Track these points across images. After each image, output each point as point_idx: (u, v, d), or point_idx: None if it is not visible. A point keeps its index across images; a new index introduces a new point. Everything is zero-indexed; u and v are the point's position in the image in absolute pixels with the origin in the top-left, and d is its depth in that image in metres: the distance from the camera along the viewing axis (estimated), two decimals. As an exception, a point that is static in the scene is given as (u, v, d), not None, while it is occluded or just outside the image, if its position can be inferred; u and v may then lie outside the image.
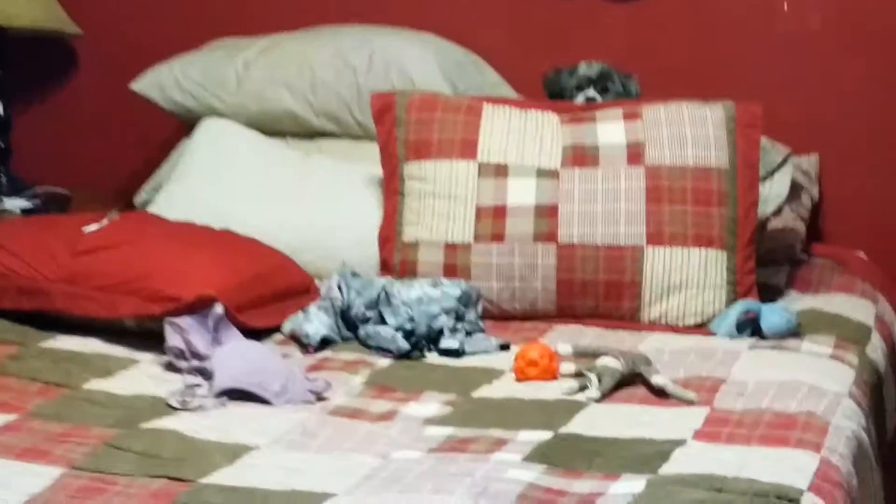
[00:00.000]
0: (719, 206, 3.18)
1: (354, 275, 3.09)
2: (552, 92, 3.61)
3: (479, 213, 3.20)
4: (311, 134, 3.79)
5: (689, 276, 3.15)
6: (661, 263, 3.15)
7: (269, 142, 3.73)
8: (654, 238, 3.15)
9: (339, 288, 3.04)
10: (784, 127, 3.64)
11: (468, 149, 3.26)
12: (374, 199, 3.43)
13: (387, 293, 3.03)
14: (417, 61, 3.69)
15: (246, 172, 3.61)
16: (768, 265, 3.49)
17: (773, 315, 3.07)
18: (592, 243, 3.15)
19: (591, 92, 3.54)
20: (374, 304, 3.03)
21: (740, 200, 3.20)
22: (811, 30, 3.79)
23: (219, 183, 3.59)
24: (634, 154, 3.22)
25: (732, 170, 3.21)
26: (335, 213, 3.48)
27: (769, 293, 3.33)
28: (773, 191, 3.56)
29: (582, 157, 3.23)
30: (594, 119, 3.30)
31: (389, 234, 3.29)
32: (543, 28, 3.96)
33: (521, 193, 3.20)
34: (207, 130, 3.73)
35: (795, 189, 3.69)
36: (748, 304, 3.11)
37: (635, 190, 3.18)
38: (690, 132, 3.23)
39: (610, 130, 3.27)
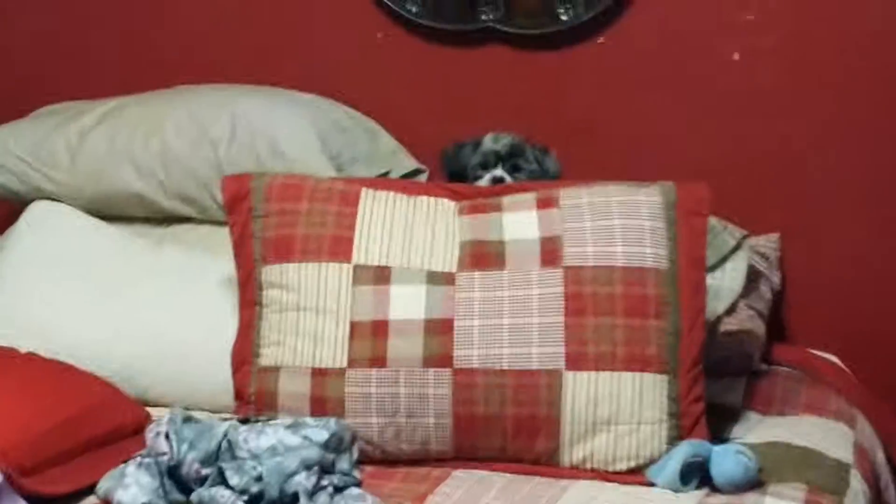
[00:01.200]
0: (657, 318, 2.52)
1: (188, 419, 2.40)
2: (452, 171, 2.95)
3: (355, 329, 2.53)
4: (163, 219, 3.11)
5: (620, 408, 2.48)
6: (584, 393, 2.48)
7: (109, 230, 3.06)
8: (576, 360, 2.49)
9: (168, 437, 2.35)
10: (736, 203, 3.00)
11: (341, 248, 2.59)
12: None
13: (230, 443, 2.35)
14: (290, 130, 3.03)
15: (77, 269, 2.96)
16: (720, 378, 2.83)
17: (727, 460, 2.41)
18: (497, 368, 2.49)
19: (500, 171, 2.90)
20: (213, 458, 2.34)
21: (684, 309, 2.54)
22: (763, 88, 3.12)
23: (42, 284, 2.92)
24: (550, 252, 2.55)
25: (673, 270, 2.56)
26: (187, 324, 2.83)
27: (720, 417, 2.68)
28: (726, 283, 2.93)
29: (484, 256, 2.56)
30: (500, 207, 2.64)
31: (244, 355, 2.62)
32: (452, 86, 3.29)
33: (408, 304, 2.54)
34: (32, 217, 3.08)
35: (753, 278, 3.04)
36: (695, 445, 2.45)
37: (551, 298, 2.51)
38: (620, 223, 2.57)
39: (519, 222, 2.60)
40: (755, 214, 3.11)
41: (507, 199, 2.66)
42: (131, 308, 2.84)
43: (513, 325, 2.51)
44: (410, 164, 3.22)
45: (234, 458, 2.34)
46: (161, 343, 2.80)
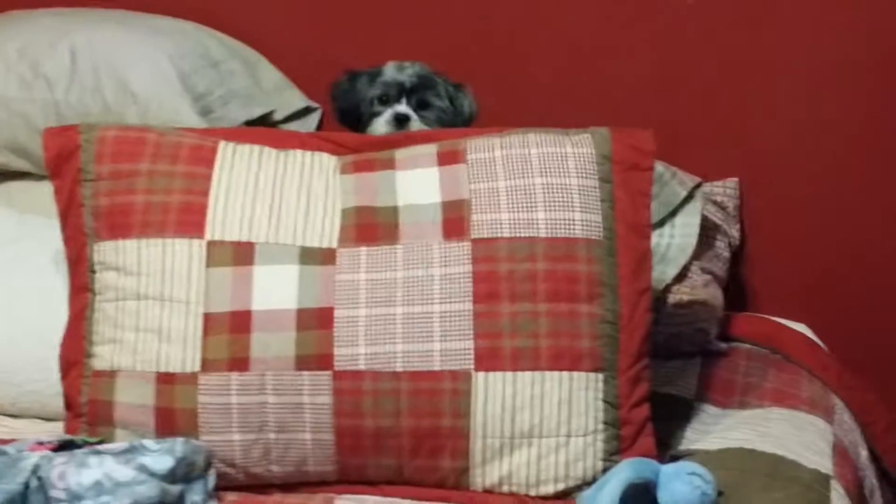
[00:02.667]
0: (590, 302, 2.01)
1: (-14, 452, 1.87)
2: (345, 108, 2.41)
3: (210, 323, 2.01)
4: (-4, 174, 2.58)
5: (544, 417, 1.98)
6: (499, 398, 1.97)
7: (-73, 188, 2.51)
8: (488, 358, 1.97)
9: (-41, 477, 1.83)
10: (687, 144, 2.49)
11: (192, 219, 2.06)
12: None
13: (41, 480, 1.83)
14: (142, 64, 2.50)
15: None
16: (668, 361, 2.35)
17: (678, 485, 1.91)
18: (389, 369, 1.98)
19: (404, 106, 2.35)
20: (18, 502, 1.82)
21: (623, 290, 2.03)
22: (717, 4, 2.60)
23: None
24: (454, 220, 2.03)
25: (609, 241, 2.04)
26: (14, 312, 2.30)
27: (670, 412, 2.20)
28: (675, 241, 2.45)
29: (372, 227, 2.04)
30: (392, 163, 2.10)
31: (74, 355, 2.10)
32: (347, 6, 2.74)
33: (276, 290, 2.01)
34: None
35: (707, 234, 2.54)
36: (638, 464, 1.95)
37: (456, 280, 2.00)
38: (542, 182, 2.05)
39: (416, 182, 2.08)
40: (709, 157, 2.61)
41: (401, 153, 2.12)
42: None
43: (408, 314, 1.99)
44: (299, 101, 2.71)
45: (46, 500, 1.82)
46: (-19, 334, 2.27)
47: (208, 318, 2.01)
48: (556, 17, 2.64)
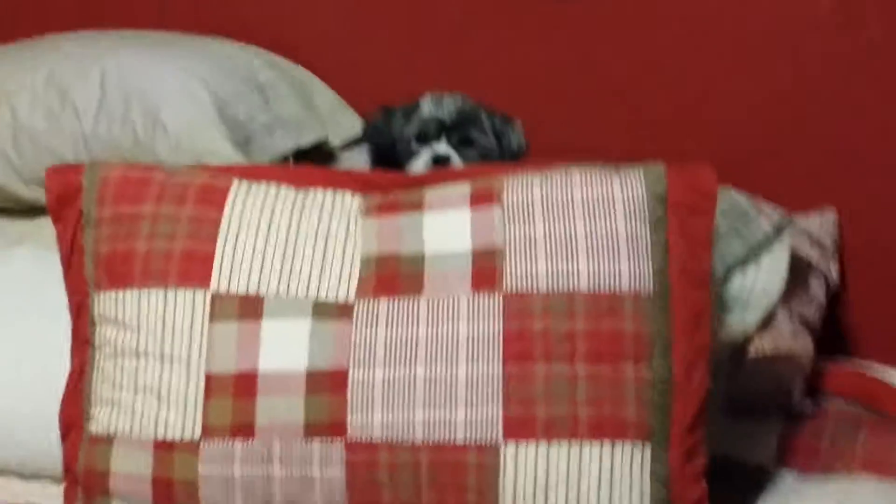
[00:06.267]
0: (637, 364, 1.77)
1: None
2: (380, 146, 2.20)
3: (212, 385, 1.81)
4: (26, 210, 2.41)
5: (581, 494, 1.75)
6: (530, 473, 1.75)
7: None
8: (519, 427, 1.75)
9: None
10: (776, 172, 2.23)
11: (196, 269, 1.86)
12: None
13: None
14: (174, 91, 2.31)
15: None
16: (741, 422, 2.09)
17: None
18: (408, 440, 1.76)
19: (443, 146, 2.14)
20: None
21: (678, 349, 1.78)
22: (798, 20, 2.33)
23: None
24: (485, 271, 1.80)
25: (662, 294, 1.79)
26: (27, 362, 2.14)
27: (741, 481, 1.96)
28: (758, 286, 2.20)
29: (394, 278, 1.82)
30: (420, 204, 1.88)
31: (73, 416, 1.92)
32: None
33: (285, 349, 1.80)
34: None
35: (798, 275, 2.27)
36: (688, 554, 1.69)
37: (485, 338, 1.77)
38: (584, 227, 1.81)
39: (446, 226, 1.86)
40: (802, 187, 2.33)
41: (431, 193, 1.90)
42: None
43: (430, 376, 1.77)
44: (355, 125, 2.49)
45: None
46: (-8, 389, 2.11)
47: (210, 379, 1.81)
48: (611, 37, 2.39)
